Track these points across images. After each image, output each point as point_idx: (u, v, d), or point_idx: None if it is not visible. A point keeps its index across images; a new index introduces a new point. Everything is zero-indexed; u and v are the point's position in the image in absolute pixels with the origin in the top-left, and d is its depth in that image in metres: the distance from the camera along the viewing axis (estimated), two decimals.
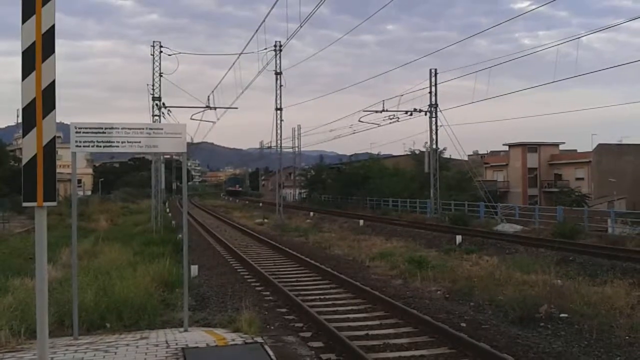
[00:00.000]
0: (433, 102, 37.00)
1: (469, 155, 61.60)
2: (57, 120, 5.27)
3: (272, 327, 9.10)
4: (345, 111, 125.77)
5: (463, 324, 9.18)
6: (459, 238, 20.90)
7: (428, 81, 37.16)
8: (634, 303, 10.07)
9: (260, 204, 63.03)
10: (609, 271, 13.63)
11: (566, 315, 9.41)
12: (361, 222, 31.63)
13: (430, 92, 37.05)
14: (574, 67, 24.41)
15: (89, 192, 78.84)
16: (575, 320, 9.15)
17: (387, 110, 37.05)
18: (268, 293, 12.19)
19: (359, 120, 39.18)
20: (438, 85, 37.00)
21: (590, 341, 8.20)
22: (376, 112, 37.39)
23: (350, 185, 56.66)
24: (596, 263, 15.12)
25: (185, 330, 8.33)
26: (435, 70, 37.23)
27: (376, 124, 38.71)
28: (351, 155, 73.35)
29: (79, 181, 71.82)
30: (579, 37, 34.28)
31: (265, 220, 36.75)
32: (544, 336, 8.53)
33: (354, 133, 44.01)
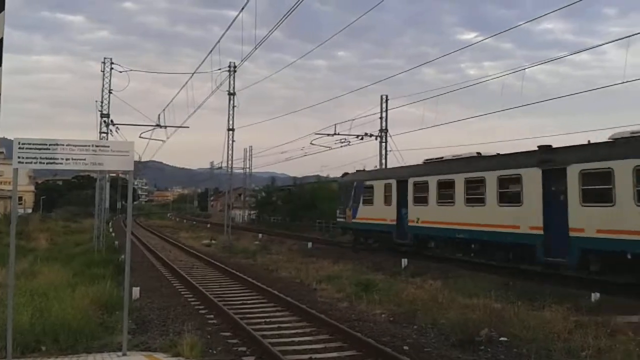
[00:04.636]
0: (383, 127, 37.83)
1: None
2: (0, 136, 5.12)
3: (215, 352, 8.96)
4: (297, 134, 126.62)
5: (406, 347, 9.28)
6: (404, 261, 21.15)
7: (379, 107, 38.04)
8: (571, 327, 10.36)
9: (208, 225, 62.22)
10: (548, 296, 14.02)
11: (506, 338, 9.63)
12: (309, 244, 31.65)
13: (381, 118, 37.92)
14: (519, 97, 25.40)
15: (30, 210, 75.98)
16: (515, 344, 9.36)
17: (338, 134, 37.59)
18: (212, 316, 12.00)
19: (311, 143, 39.30)
20: (388, 111, 37.88)
21: None
22: (328, 135, 37.86)
23: (300, 207, 56.76)
24: (535, 288, 15.53)
25: (124, 355, 8.12)
26: (386, 96, 38.17)
27: (328, 147, 38.93)
28: (302, 178, 73.64)
29: (20, 198, 69.21)
30: (523, 69, 35.70)
31: (213, 242, 36.28)
32: (483, 359, 8.70)
33: (305, 155, 44.03)
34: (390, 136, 37.93)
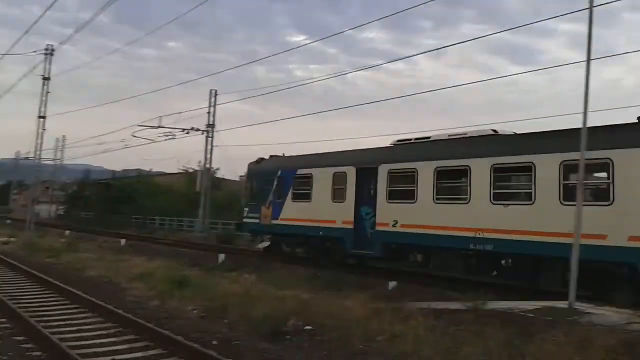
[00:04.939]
0: (211, 122, 37.66)
1: (240, 176, 63.02)
2: None
3: (5, 357, 8.20)
4: (120, 124, 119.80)
5: (215, 342, 9.30)
6: (221, 257, 21.18)
7: (208, 101, 37.76)
8: (370, 314, 11.19)
9: (8, 221, 56.42)
10: (352, 285, 15.02)
11: (310, 327, 10.12)
12: (123, 241, 30.29)
13: (209, 112, 37.70)
14: (340, 100, 26.86)
15: None
16: (318, 332, 9.86)
17: (163, 127, 36.55)
18: (4, 320, 10.90)
19: (133, 135, 37.72)
20: (217, 106, 37.74)
21: (329, 351, 8.92)
22: (152, 127, 36.65)
23: (117, 202, 54.06)
24: (341, 278, 16.55)
25: None
26: (216, 91, 38.02)
27: (151, 139, 37.63)
28: (122, 171, 70.22)
29: None
30: (345, 74, 38.19)
31: (12, 239, 32.95)
32: (289, 348, 9.05)
33: (126, 147, 41.95)
34: (217, 132, 37.92)
